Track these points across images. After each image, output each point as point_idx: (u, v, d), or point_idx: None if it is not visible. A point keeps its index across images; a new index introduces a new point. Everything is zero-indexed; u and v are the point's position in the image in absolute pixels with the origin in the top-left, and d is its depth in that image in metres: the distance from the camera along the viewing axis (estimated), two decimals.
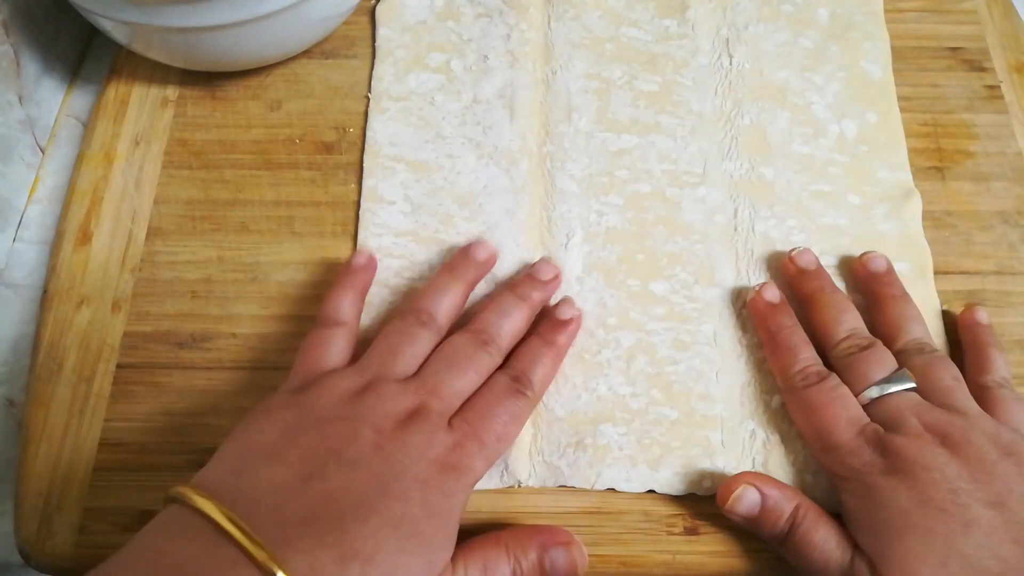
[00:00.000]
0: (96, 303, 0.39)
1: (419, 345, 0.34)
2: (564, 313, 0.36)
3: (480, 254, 0.38)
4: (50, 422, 0.36)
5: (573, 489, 0.35)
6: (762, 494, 0.32)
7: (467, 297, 0.36)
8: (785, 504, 0.32)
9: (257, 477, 0.28)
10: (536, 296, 0.36)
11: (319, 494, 0.27)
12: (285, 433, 0.29)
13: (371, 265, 0.38)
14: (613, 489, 0.35)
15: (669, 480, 0.35)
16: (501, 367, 0.34)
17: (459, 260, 0.37)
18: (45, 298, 0.39)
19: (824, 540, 0.31)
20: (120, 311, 0.39)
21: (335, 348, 0.34)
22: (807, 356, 0.35)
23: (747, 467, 0.35)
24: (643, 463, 0.35)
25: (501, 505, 0.35)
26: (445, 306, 0.35)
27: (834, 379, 0.34)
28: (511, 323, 0.35)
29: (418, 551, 0.27)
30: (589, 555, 0.34)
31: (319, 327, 0.35)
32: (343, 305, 0.35)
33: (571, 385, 0.37)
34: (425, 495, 0.28)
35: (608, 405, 0.36)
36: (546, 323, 0.36)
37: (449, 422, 0.31)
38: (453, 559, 0.29)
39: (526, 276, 0.37)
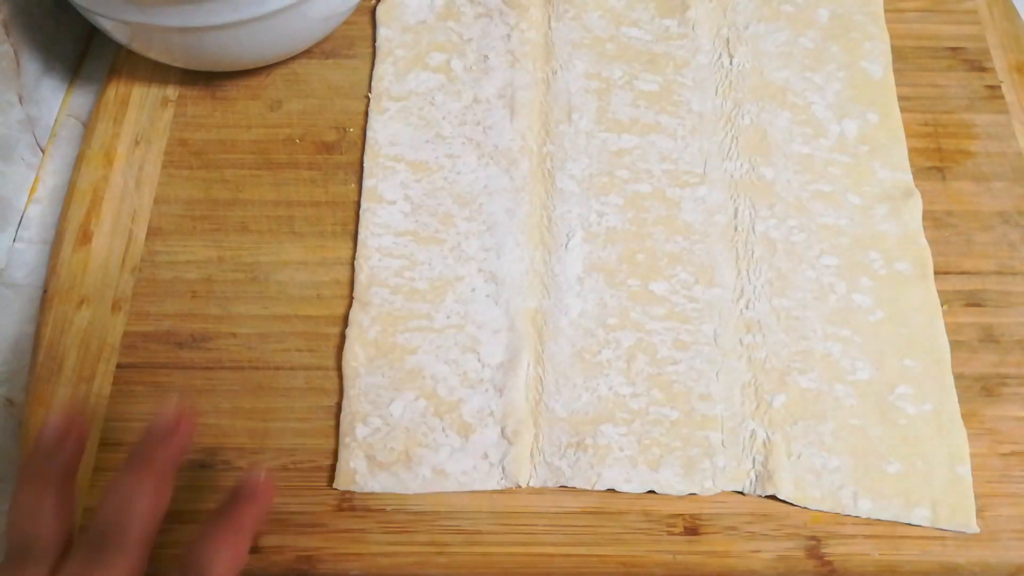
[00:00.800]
0: (96, 303, 0.39)
1: None
2: (247, 487, 0.29)
3: (50, 433, 0.28)
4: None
5: (573, 489, 0.35)
6: None
7: (69, 490, 0.28)
8: None
9: None
10: (160, 454, 0.28)
11: None
12: None
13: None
14: (613, 489, 0.35)
15: (669, 481, 0.35)
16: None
17: (31, 454, 0.28)
18: (45, 298, 0.39)
19: None
20: (120, 311, 0.39)
21: None
22: None
23: (747, 467, 0.35)
24: (643, 464, 0.35)
25: (501, 505, 0.35)
26: (45, 521, 0.26)
27: None
28: (140, 502, 0.27)
29: None
30: (589, 555, 0.34)
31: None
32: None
33: (571, 385, 0.37)
34: None
35: (608, 405, 0.36)
36: (228, 496, 0.28)
37: None
38: None
39: (144, 433, 0.29)
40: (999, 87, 0.45)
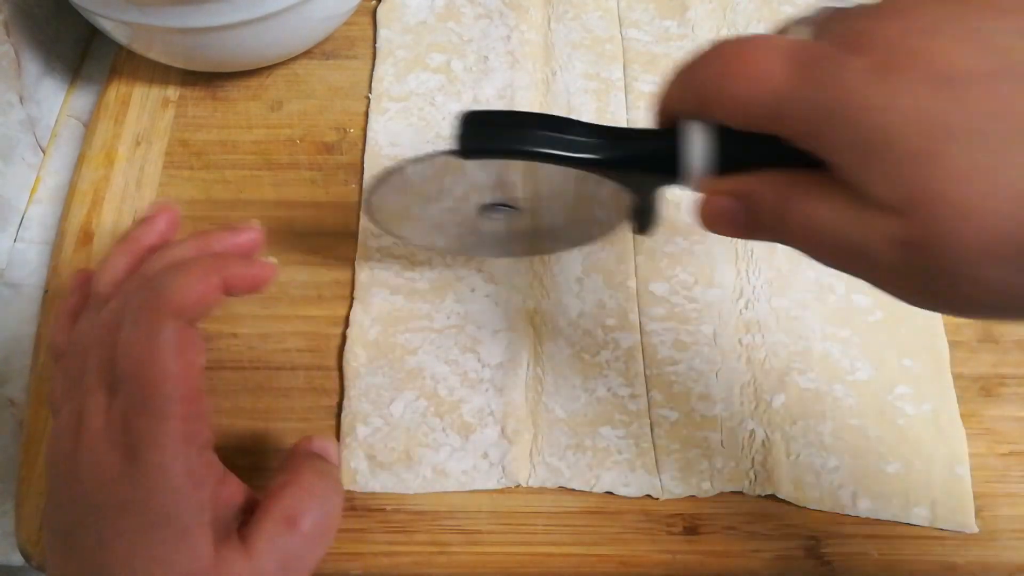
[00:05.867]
0: None
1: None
2: (229, 225, 0.32)
3: (148, 212, 0.33)
4: (51, 422, 0.36)
5: (573, 489, 0.35)
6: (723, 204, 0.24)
7: (141, 260, 0.31)
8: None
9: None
10: (137, 234, 0.32)
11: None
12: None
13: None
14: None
15: (667, 484, 0.35)
16: None
17: (129, 229, 0.33)
18: (46, 298, 0.39)
19: (831, 212, 0.21)
20: None
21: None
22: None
23: (746, 467, 0.35)
24: (641, 467, 0.35)
25: (501, 505, 0.35)
26: (111, 273, 0.31)
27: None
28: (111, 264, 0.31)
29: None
30: (589, 554, 0.34)
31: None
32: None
33: (570, 386, 0.37)
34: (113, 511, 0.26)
35: (607, 407, 0.36)
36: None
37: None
38: (261, 514, 0.27)
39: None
40: None
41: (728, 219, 0.24)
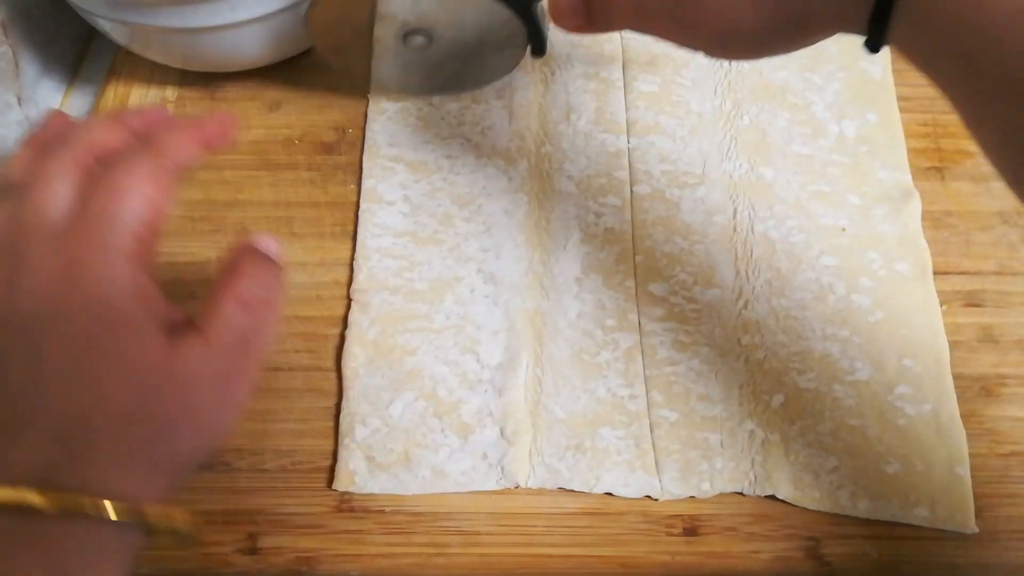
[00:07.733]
0: None
1: None
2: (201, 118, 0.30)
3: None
4: None
5: (572, 489, 0.35)
6: None
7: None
8: None
9: None
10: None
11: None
12: None
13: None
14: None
15: (667, 485, 0.35)
16: None
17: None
18: None
19: None
20: None
21: None
22: None
23: (746, 468, 0.35)
24: (641, 468, 0.35)
25: (500, 506, 0.35)
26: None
27: None
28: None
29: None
30: (588, 555, 0.34)
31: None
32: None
33: (570, 387, 0.37)
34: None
35: (607, 407, 0.36)
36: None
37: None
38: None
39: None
40: None
41: (571, 9, 0.32)
